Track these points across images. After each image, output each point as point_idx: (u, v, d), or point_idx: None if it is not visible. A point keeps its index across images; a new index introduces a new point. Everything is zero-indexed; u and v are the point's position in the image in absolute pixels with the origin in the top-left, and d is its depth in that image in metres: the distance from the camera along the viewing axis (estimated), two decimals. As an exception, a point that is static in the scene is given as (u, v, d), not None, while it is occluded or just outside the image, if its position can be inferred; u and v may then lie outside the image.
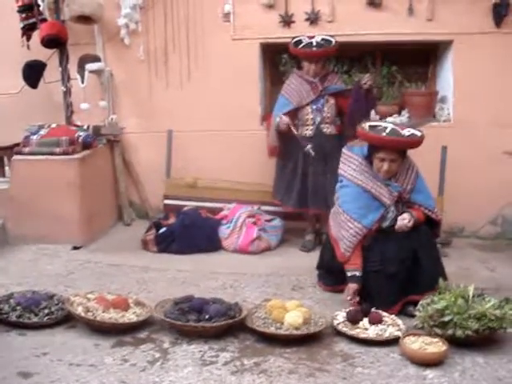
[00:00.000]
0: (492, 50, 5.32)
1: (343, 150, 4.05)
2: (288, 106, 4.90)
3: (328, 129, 4.93)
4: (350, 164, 3.94)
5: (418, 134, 3.82)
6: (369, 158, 3.90)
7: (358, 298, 3.73)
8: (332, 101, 4.92)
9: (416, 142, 3.81)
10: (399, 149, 3.80)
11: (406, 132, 3.77)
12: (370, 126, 3.85)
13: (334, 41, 4.90)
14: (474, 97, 5.39)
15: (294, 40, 4.94)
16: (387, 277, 3.71)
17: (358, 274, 3.76)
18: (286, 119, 4.83)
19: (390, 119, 5.50)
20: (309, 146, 4.83)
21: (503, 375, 3.00)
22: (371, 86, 4.75)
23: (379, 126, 3.86)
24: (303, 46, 4.86)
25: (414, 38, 5.43)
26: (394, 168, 3.82)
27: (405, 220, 3.79)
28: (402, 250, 3.75)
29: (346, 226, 3.82)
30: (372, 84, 4.75)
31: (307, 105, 4.90)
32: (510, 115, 5.36)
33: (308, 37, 4.92)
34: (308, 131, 4.92)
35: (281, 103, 4.97)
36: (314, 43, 4.85)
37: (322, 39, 4.89)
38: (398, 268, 3.71)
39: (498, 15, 5.26)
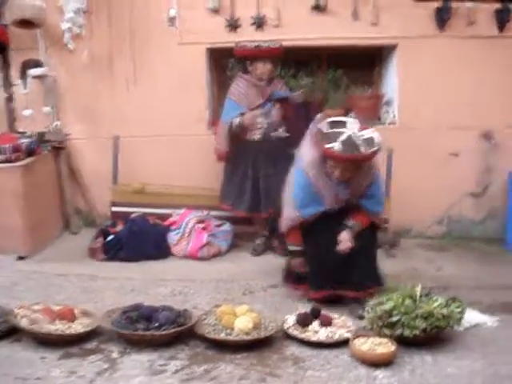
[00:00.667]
0: (435, 53, 5.44)
1: (310, 128, 3.91)
2: (237, 110, 4.88)
3: (276, 132, 4.93)
4: (308, 153, 3.85)
5: (374, 148, 3.64)
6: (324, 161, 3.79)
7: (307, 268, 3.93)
8: (278, 105, 4.93)
9: (371, 157, 3.70)
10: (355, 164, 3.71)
11: (363, 143, 3.59)
12: (322, 131, 3.66)
13: (279, 44, 4.92)
14: (418, 99, 5.49)
15: (240, 44, 4.93)
16: (321, 263, 3.83)
17: (300, 248, 3.92)
18: (250, 113, 4.82)
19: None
20: (280, 130, 4.87)
21: (451, 372, 3.06)
22: (305, 100, 4.85)
23: (335, 130, 3.65)
24: (255, 46, 4.86)
25: (359, 42, 5.50)
26: (347, 175, 3.74)
27: (346, 242, 3.79)
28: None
29: (288, 207, 3.90)
30: (305, 97, 4.84)
31: (255, 109, 4.89)
32: (455, 117, 5.48)
33: (248, 42, 4.93)
34: (256, 135, 4.91)
35: (230, 107, 4.95)
36: (264, 44, 4.86)
37: (263, 42, 4.92)
38: (333, 259, 3.78)
39: (441, 19, 5.39)
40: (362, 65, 5.94)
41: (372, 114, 5.68)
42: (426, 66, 5.46)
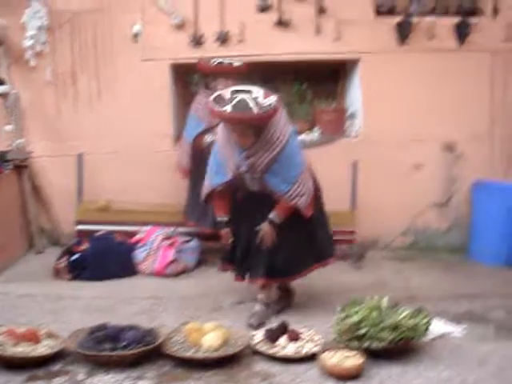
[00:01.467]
0: (397, 66, 5.54)
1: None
2: (200, 127, 4.88)
3: None
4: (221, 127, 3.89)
5: (268, 109, 3.54)
6: None
7: (232, 239, 3.94)
8: None
9: (266, 117, 3.58)
10: (243, 124, 3.61)
11: (256, 105, 3.52)
12: (222, 96, 3.62)
13: (241, 63, 4.93)
14: (382, 112, 5.57)
15: (203, 60, 4.95)
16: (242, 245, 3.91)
17: (225, 219, 3.94)
18: None
19: (301, 136, 5.60)
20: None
21: (420, 382, 3.07)
22: None
23: (231, 97, 3.59)
24: (217, 63, 4.86)
25: (322, 57, 5.58)
26: (247, 140, 3.65)
27: (266, 235, 3.82)
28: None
29: (206, 176, 3.96)
30: None
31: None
32: (418, 129, 5.57)
33: (207, 59, 4.95)
34: None
35: (192, 124, 4.94)
36: (225, 62, 4.87)
37: (224, 60, 4.92)
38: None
39: (402, 33, 5.48)
40: (327, 78, 6.00)
41: (337, 128, 5.74)
42: (388, 79, 5.55)
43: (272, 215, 3.81)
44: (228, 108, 3.53)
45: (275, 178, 3.74)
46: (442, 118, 5.54)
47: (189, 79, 5.77)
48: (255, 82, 5.70)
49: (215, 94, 3.69)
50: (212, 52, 5.36)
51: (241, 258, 3.95)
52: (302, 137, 5.63)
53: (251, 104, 3.52)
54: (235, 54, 5.30)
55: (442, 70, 5.53)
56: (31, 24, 5.43)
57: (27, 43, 5.44)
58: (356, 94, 5.74)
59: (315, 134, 5.68)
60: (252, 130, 3.62)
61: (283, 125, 3.76)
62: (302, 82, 5.84)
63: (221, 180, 3.84)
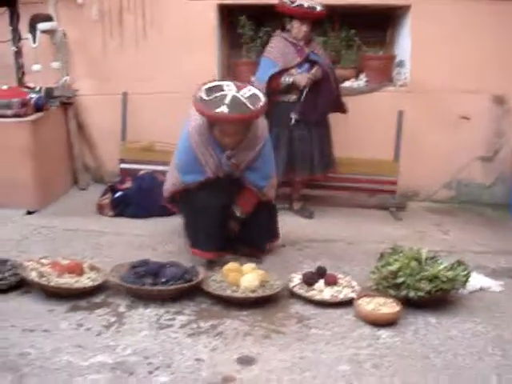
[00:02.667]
0: (449, 15, 5.35)
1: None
2: (274, 68, 4.74)
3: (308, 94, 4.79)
4: (194, 118, 3.72)
5: (261, 103, 3.58)
6: (210, 130, 3.69)
7: None
8: (316, 67, 4.79)
9: (257, 114, 3.61)
10: (240, 123, 3.62)
11: (249, 100, 3.53)
12: (203, 98, 3.52)
13: (320, 6, 4.78)
14: (431, 62, 5.43)
15: (283, 0, 4.78)
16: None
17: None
18: (303, 75, 4.74)
19: (347, 83, 5.52)
20: (293, 115, 4.78)
21: (454, 334, 3.08)
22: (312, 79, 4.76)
23: (216, 95, 3.53)
24: (296, 5, 4.72)
25: (373, 2, 5.42)
26: (238, 140, 3.67)
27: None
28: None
29: (172, 171, 3.90)
30: (309, 81, 4.74)
31: (292, 68, 4.79)
32: (466, 80, 5.42)
33: (290, 0, 4.76)
34: (292, 96, 4.82)
35: (266, 65, 4.81)
36: (306, 5, 4.72)
37: (307, 3, 4.75)
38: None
39: (456, -20, 5.28)
40: (375, 25, 5.85)
41: (384, 75, 5.63)
42: (439, 27, 5.37)
43: (238, 213, 3.87)
44: (224, 109, 3.46)
45: (255, 174, 3.84)
46: (493, 71, 5.37)
47: (235, 20, 5.67)
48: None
49: (198, 96, 3.56)
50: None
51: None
52: (348, 83, 5.54)
53: (244, 100, 3.52)
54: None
55: (496, 21, 5.32)
56: (79, -40, 5.41)
57: (75, -20, 5.43)
58: (405, 42, 5.60)
59: (362, 81, 5.58)
60: (244, 128, 3.64)
61: (261, 126, 3.81)
62: (350, 27, 5.70)
63: (194, 179, 3.76)
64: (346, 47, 5.70)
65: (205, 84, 3.66)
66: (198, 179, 3.76)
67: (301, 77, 4.73)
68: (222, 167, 3.74)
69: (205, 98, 3.54)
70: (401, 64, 5.70)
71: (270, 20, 5.66)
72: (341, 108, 5.00)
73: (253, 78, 5.39)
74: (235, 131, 3.63)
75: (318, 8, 4.76)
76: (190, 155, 3.75)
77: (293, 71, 4.77)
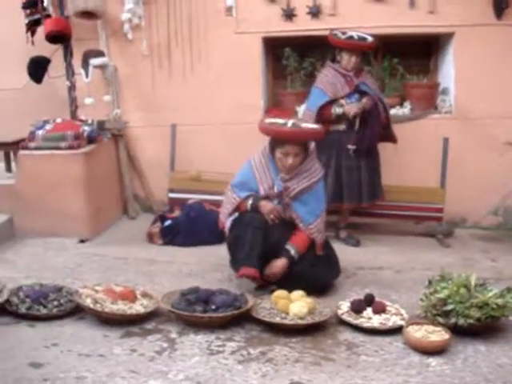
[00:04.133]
0: (493, 41, 5.37)
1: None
2: (324, 98, 4.84)
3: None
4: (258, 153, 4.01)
5: (318, 126, 4.00)
6: (272, 153, 3.93)
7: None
8: (365, 98, 4.86)
9: (317, 134, 3.95)
10: (302, 141, 3.85)
11: (307, 125, 3.91)
12: (269, 121, 3.92)
13: (371, 37, 4.90)
14: (475, 88, 5.44)
15: (333, 32, 4.92)
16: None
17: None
18: (353, 104, 4.81)
19: (392, 111, 5.56)
20: (350, 146, 4.85)
21: (505, 362, 3.05)
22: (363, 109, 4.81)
23: (279, 121, 3.89)
24: (346, 38, 4.85)
25: (416, 31, 5.48)
26: (297, 162, 3.85)
27: (278, 270, 3.84)
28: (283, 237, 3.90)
29: (226, 196, 4.03)
30: (358, 111, 4.80)
31: (341, 98, 4.86)
32: (511, 106, 5.39)
33: (341, 32, 4.90)
34: (341, 125, 4.91)
35: (316, 95, 4.92)
36: (356, 36, 4.85)
37: (357, 35, 4.88)
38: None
39: (499, 7, 5.31)
40: (418, 53, 5.90)
41: (428, 103, 5.65)
42: (482, 54, 5.40)
43: (292, 251, 3.86)
44: (289, 124, 3.80)
45: (303, 207, 3.92)
46: (538, 96, 5.36)
47: (279, 52, 5.80)
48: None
49: (263, 121, 3.97)
50: (304, 26, 5.40)
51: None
52: (393, 111, 5.58)
53: (304, 124, 3.91)
54: (326, 27, 5.31)
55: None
56: (129, -2, 5.63)
57: (125, 16, 5.64)
58: (449, 69, 5.63)
59: (406, 109, 5.62)
60: (303, 152, 3.86)
61: (319, 163, 4.07)
62: (394, 55, 5.75)
63: (250, 192, 3.93)
64: (390, 76, 5.75)
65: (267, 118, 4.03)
66: (250, 192, 3.92)
67: (349, 107, 4.80)
68: (275, 189, 3.88)
69: (270, 121, 3.91)
70: (445, 91, 5.72)
71: (313, 51, 5.79)
72: (391, 138, 5.05)
73: (300, 108, 5.51)
74: (295, 152, 3.82)
75: (369, 39, 4.86)
76: (248, 175, 3.98)
77: (342, 101, 4.84)
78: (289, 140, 3.81)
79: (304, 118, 4.93)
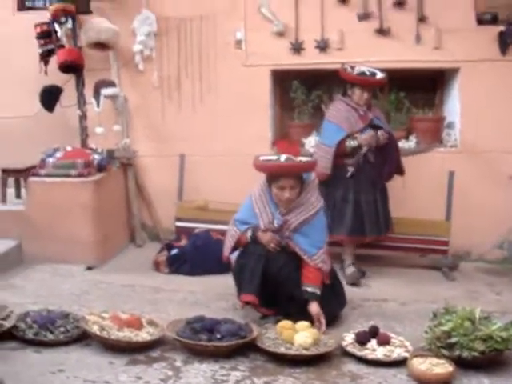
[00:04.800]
0: (498, 77, 5.44)
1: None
2: (341, 133, 4.83)
3: (372, 157, 4.90)
4: (257, 186, 4.10)
5: (311, 159, 4.15)
6: (269, 188, 3.98)
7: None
8: (380, 132, 4.89)
9: (310, 165, 4.01)
10: (296, 174, 3.90)
11: (301, 159, 3.96)
12: (262, 158, 3.99)
13: (382, 74, 4.93)
14: (480, 122, 5.50)
15: (345, 66, 4.95)
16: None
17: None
18: (367, 134, 4.84)
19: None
20: (350, 169, 4.86)
21: (508, 396, 3.07)
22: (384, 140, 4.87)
23: (272, 157, 4.00)
24: (359, 73, 4.87)
25: (422, 66, 5.56)
26: (294, 195, 3.89)
27: (319, 314, 3.80)
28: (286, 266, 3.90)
29: (229, 229, 4.09)
30: (373, 139, 4.84)
31: (356, 133, 4.85)
32: (516, 140, 5.46)
33: (351, 66, 4.95)
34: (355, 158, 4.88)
35: (331, 130, 4.90)
36: (368, 72, 4.87)
37: (368, 70, 4.91)
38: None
39: (504, 43, 5.39)
40: (424, 87, 5.98)
41: (433, 137, 5.71)
42: (487, 89, 5.47)
43: (311, 289, 3.84)
44: (281, 158, 3.89)
45: (304, 239, 3.94)
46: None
47: (287, 85, 5.89)
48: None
49: (257, 158, 4.02)
50: (312, 59, 5.52)
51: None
52: (399, 144, 5.63)
53: (298, 159, 3.93)
54: (334, 61, 5.41)
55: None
56: (141, 30, 5.75)
57: (136, 48, 5.77)
58: (454, 104, 5.69)
59: (412, 142, 5.68)
60: (299, 185, 3.91)
61: (317, 193, 4.11)
62: (399, 89, 5.84)
63: (249, 225, 3.99)
64: (396, 109, 5.82)
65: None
66: (250, 225, 3.97)
67: (364, 137, 4.82)
68: (274, 222, 3.91)
69: (263, 158, 3.99)
70: (450, 125, 5.78)
71: (320, 84, 5.88)
72: (400, 170, 5.07)
73: (307, 140, 5.57)
74: (290, 185, 3.86)
75: (379, 76, 4.89)
76: (248, 210, 4.03)
77: (356, 135, 4.85)
78: (283, 174, 3.87)
79: (319, 152, 4.94)
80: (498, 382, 3.18)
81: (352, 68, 4.92)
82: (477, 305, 3.67)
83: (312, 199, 4.00)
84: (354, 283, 4.82)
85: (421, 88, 5.94)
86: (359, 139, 4.83)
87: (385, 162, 4.95)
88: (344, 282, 4.66)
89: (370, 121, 4.91)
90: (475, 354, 3.23)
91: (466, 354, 3.24)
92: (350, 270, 4.95)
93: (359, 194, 4.88)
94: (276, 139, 5.75)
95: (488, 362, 3.29)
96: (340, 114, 4.90)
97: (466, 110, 5.56)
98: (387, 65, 5.48)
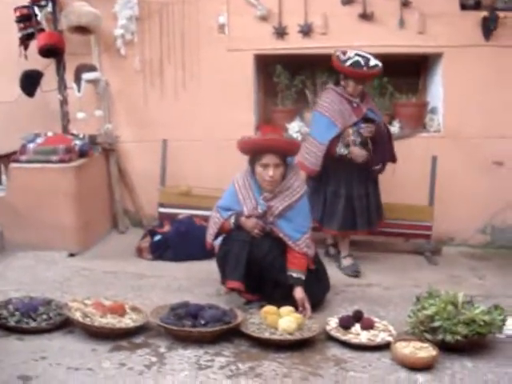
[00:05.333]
0: (481, 62, 5.46)
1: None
2: (334, 129, 4.66)
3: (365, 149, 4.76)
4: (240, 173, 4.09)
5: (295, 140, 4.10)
6: (253, 171, 3.95)
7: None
8: (371, 125, 4.70)
9: (294, 145, 4.04)
10: (280, 150, 3.85)
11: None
12: (246, 137, 4.05)
13: (378, 63, 4.69)
14: (463, 108, 5.52)
15: (336, 54, 4.70)
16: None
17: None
18: (363, 153, 4.67)
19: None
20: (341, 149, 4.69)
21: (490, 378, 3.08)
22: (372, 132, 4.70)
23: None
24: (354, 65, 4.62)
25: (405, 51, 5.55)
26: (277, 175, 3.85)
27: (303, 299, 3.80)
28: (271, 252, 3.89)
29: (212, 216, 4.06)
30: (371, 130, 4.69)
31: (349, 127, 4.70)
32: (499, 126, 5.49)
33: (342, 52, 4.71)
34: (349, 155, 4.73)
35: (323, 124, 4.71)
36: (362, 62, 4.61)
37: (363, 57, 4.64)
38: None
39: (487, 29, 5.39)
40: (408, 72, 5.97)
41: (416, 122, 5.73)
42: (471, 74, 5.49)
43: (295, 275, 3.83)
44: (266, 136, 3.94)
45: (288, 225, 3.92)
46: (525, 115, 5.44)
47: (271, 70, 5.85)
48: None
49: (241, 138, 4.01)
50: (295, 44, 5.48)
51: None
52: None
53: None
54: (318, 46, 5.40)
55: (527, 66, 5.42)
56: (122, 13, 5.66)
57: (118, 32, 5.69)
58: (437, 89, 5.70)
59: (395, 128, 5.68)
60: (283, 166, 3.87)
61: (301, 179, 4.11)
62: (383, 75, 5.81)
63: (234, 211, 3.97)
64: (380, 94, 5.81)
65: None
66: (234, 211, 3.95)
67: (358, 152, 4.66)
68: (258, 209, 3.89)
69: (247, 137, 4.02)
70: (433, 110, 5.79)
71: (304, 69, 5.85)
72: (393, 158, 4.96)
73: (291, 125, 5.54)
74: (274, 163, 3.83)
75: (373, 65, 4.65)
76: (231, 196, 4.01)
77: (349, 131, 4.68)
78: (267, 149, 3.83)
79: (309, 147, 4.77)
80: (481, 365, 3.21)
81: (344, 54, 4.69)
82: (460, 289, 3.70)
83: (295, 184, 3.97)
84: (355, 275, 4.75)
85: (404, 73, 5.93)
86: (352, 153, 4.65)
87: (377, 153, 4.78)
88: (343, 274, 4.77)
89: (364, 114, 4.74)
90: (458, 337, 3.26)
91: (449, 337, 3.27)
92: (348, 261, 4.89)
93: (351, 189, 4.77)
94: (260, 124, 5.72)
95: (471, 346, 3.32)
96: (333, 107, 4.70)
97: (449, 95, 5.58)
98: (371, 49, 5.41)
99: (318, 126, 4.82)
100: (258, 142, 3.95)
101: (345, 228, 4.82)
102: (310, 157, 4.74)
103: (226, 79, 5.63)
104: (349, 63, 4.64)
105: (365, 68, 4.64)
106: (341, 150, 4.69)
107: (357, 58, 4.65)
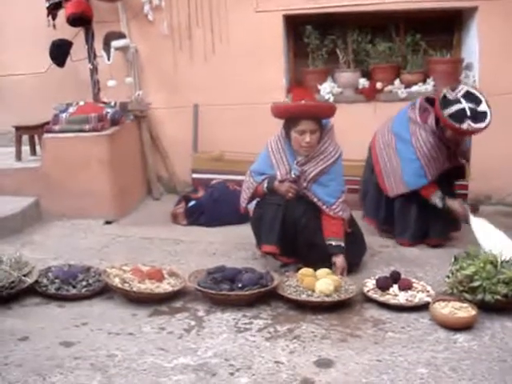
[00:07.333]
0: (517, 15, 5.28)
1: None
2: (423, 181, 4.34)
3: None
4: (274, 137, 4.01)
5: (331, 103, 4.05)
6: (287, 136, 3.89)
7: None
8: None
9: (331, 109, 3.90)
10: (317, 115, 3.80)
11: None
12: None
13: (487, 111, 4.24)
14: (500, 63, 5.37)
15: (443, 93, 4.15)
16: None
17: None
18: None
19: (414, 88, 5.51)
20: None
21: (533, 338, 3.05)
22: None
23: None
24: (453, 114, 4.07)
25: (438, 5, 5.40)
26: (314, 140, 3.79)
27: (343, 267, 3.78)
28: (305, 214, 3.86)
29: (246, 181, 4.04)
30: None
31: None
32: (538, 82, 5.34)
33: (451, 88, 4.20)
34: None
35: (415, 168, 4.33)
36: (469, 113, 4.09)
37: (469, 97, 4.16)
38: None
39: (524, -20, 5.21)
40: (441, 29, 5.81)
41: (451, 79, 5.57)
42: (507, 28, 5.31)
43: (335, 243, 3.79)
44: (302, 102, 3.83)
45: (322, 190, 3.87)
46: None
47: (301, 30, 5.75)
48: (367, 32, 5.69)
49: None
50: (325, 2, 5.38)
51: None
52: (416, 88, 5.53)
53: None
54: (347, 4, 5.28)
55: None
56: (149, -21, 5.62)
57: (145, -3, 5.65)
58: (472, 44, 5.55)
59: (429, 86, 5.56)
60: (319, 130, 3.80)
61: (336, 143, 3.97)
62: (416, 31, 5.69)
63: (267, 175, 3.93)
64: (412, 52, 5.68)
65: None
66: (268, 174, 3.92)
67: (456, 206, 4.39)
68: (292, 173, 3.85)
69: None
70: (469, 67, 5.64)
71: (334, 28, 5.74)
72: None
73: (322, 86, 5.45)
74: (311, 129, 3.76)
75: (481, 109, 4.18)
76: (265, 161, 3.97)
77: (448, 200, 4.37)
78: (303, 115, 3.76)
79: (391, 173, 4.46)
80: (522, 324, 3.18)
81: (453, 90, 4.16)
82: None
83: (330, 148, 3.90)
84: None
85: (438, 29, 5.78)
86: (448, 204, 4.35)
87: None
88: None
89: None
90: (498, 297, 3.22)
91: (488, 297, 3.23)
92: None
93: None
94: (291, 87, 5.65)
95: (511, 305, 3.28)
96: (430, 153, 4.29)
97: (485, 51, 5.42)
98: (403, 5, 5.37)
99: (405, 167, 4.39)
100: (293, 108, 3.87)
101: (417, 238, 4.48)
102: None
103: (255, 41, 5.56)
104: (450, 112, 4.09)
105: (467, 123, 4.11)
106: (436, 201, 4.36)
107: (463, 104, 4.13)
